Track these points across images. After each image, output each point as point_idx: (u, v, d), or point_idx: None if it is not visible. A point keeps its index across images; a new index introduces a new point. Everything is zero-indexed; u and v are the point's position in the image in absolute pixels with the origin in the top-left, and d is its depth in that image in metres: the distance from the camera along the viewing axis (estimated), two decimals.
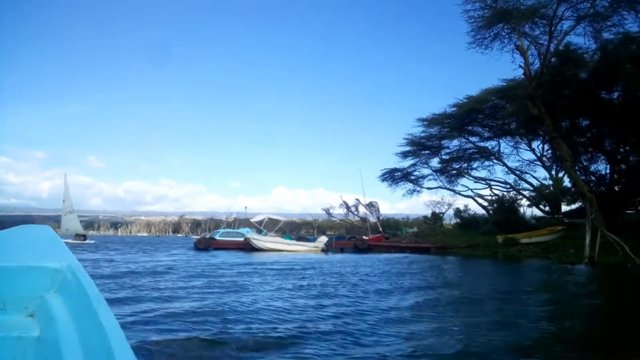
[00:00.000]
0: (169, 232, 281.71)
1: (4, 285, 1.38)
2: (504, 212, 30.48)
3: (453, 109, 35.32)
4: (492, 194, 35.95)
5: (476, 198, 36.53)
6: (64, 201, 42.28)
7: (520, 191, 35.01)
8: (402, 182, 41.11)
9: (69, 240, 36.66)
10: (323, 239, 30.67)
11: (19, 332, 1.26)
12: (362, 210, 48.07)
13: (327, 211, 51.71)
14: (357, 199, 47.96)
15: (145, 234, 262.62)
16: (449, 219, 42.64)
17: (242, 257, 21.64)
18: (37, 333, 1.26)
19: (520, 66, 23.41)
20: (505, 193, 34.94)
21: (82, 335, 1.14)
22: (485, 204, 35.47)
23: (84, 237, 41.02)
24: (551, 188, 33.28)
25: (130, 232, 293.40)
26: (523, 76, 24.07)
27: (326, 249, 28.98)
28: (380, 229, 40.38)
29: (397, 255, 25.73)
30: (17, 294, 1.39)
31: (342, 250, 29.75)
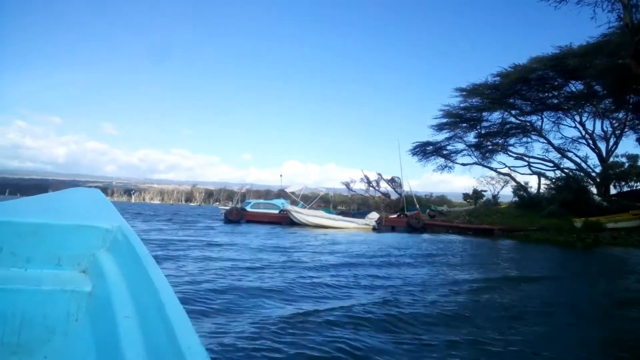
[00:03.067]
0: (181, 201, 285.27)
1: (59, 242, 1.45)
2: (572, 192, 26.72)
3: (496, 78, 32.04)
4: (532, 172, 33.67)
5: (528, 176, 33.36)
6: None
7: (586, 170, 31.29)
8: (433, 157, 38.59)
9: None
10: (374, 216, 26.89)
11: (73, 287, 1.32)
12: (383, 185, 46.14)
13: (347, 185, 49.40)
14: (379, 174, 45.87)
15: (157, 202, 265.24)
16: (491, 196, 38.95)
17: (299, 235, 18.26)
18: (90, 288, 1.33)
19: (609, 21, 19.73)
20: (575, 172, 31.25)
21: (132, 291, 1.18)
22: (547, 182, 31.89)
23: None
24: (625, 166, 29.42)
25: (144, 200, 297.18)
26: (608, 31, 20.31)
27: (377, 227, 25.43)
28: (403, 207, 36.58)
29: (458, 237, 22.23)
30: (71, 251, 1.46)
31: (393, 229, 26.03)
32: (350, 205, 56.04)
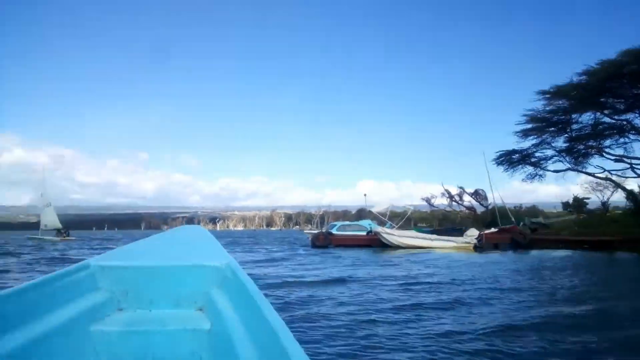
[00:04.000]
0: (262, 226, 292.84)
1: (177, 282, 1.56)
2: None
3: (582, 77, 28.67)
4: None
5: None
6: (41, 195, 41.74)
7: None
8: (520, 165, 34.86)
9: (51, 237, 35.94)
10: (473, 232, 24.56)
11: (193, 325, 1.40)
12: (467, 199, 43.99)
13: (428, 201, 47.20)
14: (461, 187, 43.73)
15: (240, 228, 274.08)
16: (601, 204, 34.92)
17: (401, 259, 16.91)
18: (208, 326, 1.39)
19: None
20: None
21: (248, 328, 1.21)
22: None
23: (67, 233, 39.10)
24: None
25: (228, 227, 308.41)
26: None
27: (480, 246, 23.12)
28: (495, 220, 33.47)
29: (570, 252, 19.57)
30: (188, 290, 1.56)
31: (495, 247, 23.39)
32: (432, 222, 53.53)
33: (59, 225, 39.15)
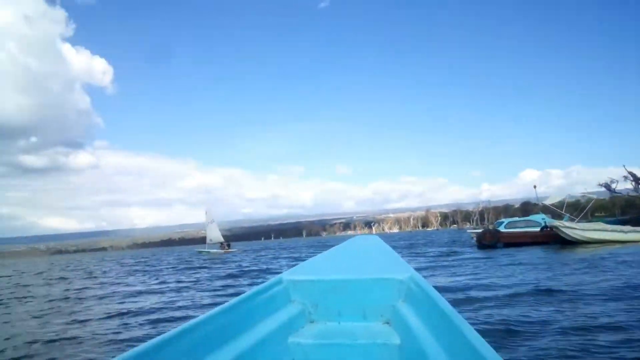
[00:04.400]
0: (418, 227, 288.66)
1: (363, 295, 1.55)
2: None
3: None
4: None
5: None
6: (206, 212, 47.65)
7: None
8: None
9: (216, 250, 40.75)
10: None
11: (383, 339, 1.36)
12: None
13: (608, 187, 39.65)
14: None
15: (396, 230, 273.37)
16: None
17: (597, 258, 14.09)
18: (398, 341, 1.35)
19: None
20: None
21: (442, 343, 1.13)
22: None
23: (229, 245, 43.54)
24: None
25: (383, 230, 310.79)
26: None
27: None
28: None
29: None
30: (374, 304, 1.54)
31: None
32: (612, 210, 45.63)
33: (221, 239, 43.97)
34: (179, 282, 14.29)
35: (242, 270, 17.16)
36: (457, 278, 10.36)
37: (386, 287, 1.55)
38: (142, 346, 0.96)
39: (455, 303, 6.28)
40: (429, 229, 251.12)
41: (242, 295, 1.44)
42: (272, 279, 1.67)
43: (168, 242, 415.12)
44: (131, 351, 0.93)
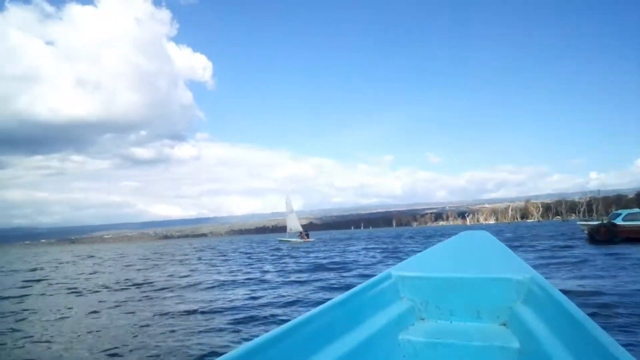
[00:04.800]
0: (516, 218, 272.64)
1: (476, 295, 1.48)
2: None
3: None
4: None
5: None
6: (286, 202, 50.12)
7: None
8: None
9: (295, 239, 42.81)
10: None
11: (500, 342, 1.29)
12: None
13: None
14: None
15: (492, 222, 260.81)
16: None
17: None
18: (517, 345, 1.27)
19: None
20: None
21: (573, 351, 1.03)
22: None
23: (307, 234, 44.92)
24: None
25: (478, 221, 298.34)
26: None
27: None
28: None
29: None
30: (488, 304, 1.46)
31: None
32: None
33: (300, 229, 45.94)
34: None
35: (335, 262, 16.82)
36: (582, 281, 8.65)
37: (503, 287, 1.46)
38: (252, 342, 0.95)
39: (592, 315, 5.15)
40: (528, 221, 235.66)
41: (351, 290, 1.41)
42: (381, 273, 1.63)
43: (262, 230, 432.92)
44: (241, 347, 0.92)
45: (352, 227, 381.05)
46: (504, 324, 1.42)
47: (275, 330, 1.03)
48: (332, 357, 1.09)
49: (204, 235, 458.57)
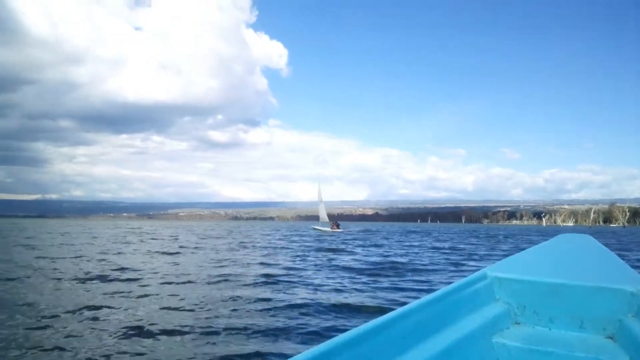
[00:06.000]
0: (598, 222, 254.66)
1: (579, 303, 1.39)
2: None
3: None
4: None
5: None
6: (318, 192, 53.26)
7: None
8: None
9: (326, 228, 45.55)
10: None
11: (606, 356, 1.20)
12: None
13: None
14: None
15: (571, 224, 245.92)
16: None
17: None
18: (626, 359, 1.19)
19: None
20: None
21: None
22: None
23: (337, 225, 46.96)
24: None
25: (555, 222, 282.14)
26: None
27: None
28: None
29: None
30: (593, 314, 1.37)
31: None
32: None
33: (327, 219, 49.77)
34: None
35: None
36: None
37: (612, 297, 1.34)
38: (345, 335, 0.94)
39: None
40: (612, 225, 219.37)
41: (445, 289, 1.37)
42: (476, 273, 1.57)
43: (327, 217, 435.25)
44: (335, 339, 0.91)
45: (419, 220, 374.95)
46: (611, 337, 1.32)
47: (368, 324, 1.01)
48: (424, 355, 1.06)
49: (271, 218, 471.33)
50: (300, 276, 10.31)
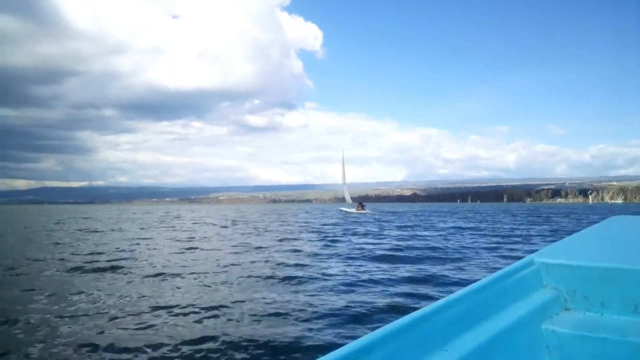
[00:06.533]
0: None
1: (634, 288, 1.34)
2: None
3: None
4: None
5: None
6: (342, 176, 54.85)
7: None
8: None
9: (352, 210, 46.31)
10: None
11: None
12: None
13: None
14: None
15: (620, 202, 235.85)
16: None
17: None
18: None
19: None
20: None
21: None
22: None
23: (363, 206, 46.88)
24: None
25: (602, 199, 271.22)
26: None
27: None
28: None
29: None
30: None
31: None
32: None
33: (351, 201, 53.02)
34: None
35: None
36: None
37: None
38: (392, 325, 0.94)
39: None
40: None
41: (492, 276, 1.36)
42: (523, 259, 1.53)
43: (365, 199, 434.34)
44: (382, 329, 0.91)
45: (459, 201, 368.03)
46: None
47: (415, 313, 1.02)
48: (472, 344, 1.06)
49: (309, 201, 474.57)
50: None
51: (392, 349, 0.89)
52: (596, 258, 1.50)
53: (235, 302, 5.97)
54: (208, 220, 32.69)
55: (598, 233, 2.27)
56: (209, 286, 7.10)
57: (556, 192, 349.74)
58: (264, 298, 6.17)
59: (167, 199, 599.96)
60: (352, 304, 5.76)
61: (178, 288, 7.02)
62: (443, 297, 1.16)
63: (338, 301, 5.97)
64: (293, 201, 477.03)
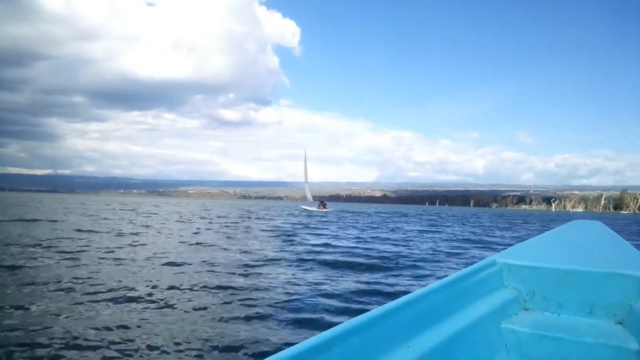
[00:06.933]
0: (609, 209, 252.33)
1: (589, 289, 1.40)
2: None
3: None
4: None
5: None
6: (304, 174, 56.17)
7: None
8: None
9: (313, 208, 47.15)
10: None
11: (616, 341, 1.22)
12: None
13: None
14: None
15: (580, 210, 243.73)
16: None
17: None
18: (636, 346, 1.18)
19: None
20: None
21: None
22: None
23: (324, 205, 47.49)
24: None
25: (564, 208, 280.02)
26: None
27: None
28: None
29: None
30: (603, 300, 1.38)
31: None
32: None
33: (312, 200, 54.40)
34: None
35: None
36: None
37: (621, 283, 1.36)
38: (352, 321, 0.94)
39: None
40: (623, 212, 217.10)
41: (453, 275, 1.38)
42: (485, 259, 1.58)
43: (336, 198, 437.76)
44: (341, 326, 0.91)
45: (427, 204, 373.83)
46: (621, 323, 1.33)
47: (376, 310, 1.00)
48: (434, 341, 1.05)
49: (279, 198, 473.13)
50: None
51: (353, 344, 0.87)
52: (556, 260, 1.53)
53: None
54: (164, 215, 31.29)
55: (559, 236, 2.38)
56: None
57: (521, 199, 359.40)
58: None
59: (135, 190, 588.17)
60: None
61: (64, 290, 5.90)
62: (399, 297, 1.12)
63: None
64: (263, 198, 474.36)
